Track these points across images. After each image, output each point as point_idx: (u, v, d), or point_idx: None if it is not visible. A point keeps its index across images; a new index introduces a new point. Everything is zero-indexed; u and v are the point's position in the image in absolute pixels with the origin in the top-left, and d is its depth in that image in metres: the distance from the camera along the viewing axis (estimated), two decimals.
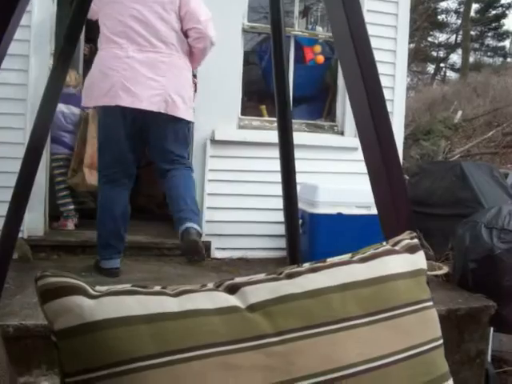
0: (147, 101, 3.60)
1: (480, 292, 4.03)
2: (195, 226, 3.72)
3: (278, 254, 4.69)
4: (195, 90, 4.14)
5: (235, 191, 4.72)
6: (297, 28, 5.19)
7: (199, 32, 3.79)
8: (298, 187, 4.66)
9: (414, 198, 6.07)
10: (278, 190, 5.14)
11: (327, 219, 4.10)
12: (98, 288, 0.72)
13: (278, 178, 5.17)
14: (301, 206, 4.37)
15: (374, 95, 1.01)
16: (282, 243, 4.71)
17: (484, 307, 3.87)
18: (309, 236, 4.21)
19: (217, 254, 4.64)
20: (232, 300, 0.76)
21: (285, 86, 1.40)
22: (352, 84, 1.04)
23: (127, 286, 0.74)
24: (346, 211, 4.20)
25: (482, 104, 16.05)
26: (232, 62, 4.82)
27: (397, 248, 0.95)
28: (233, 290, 0.79)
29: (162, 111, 3.65)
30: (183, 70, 3.83)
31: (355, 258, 0.90)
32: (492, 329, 3.90)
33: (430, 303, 0.92)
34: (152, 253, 4.46)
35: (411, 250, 0.95)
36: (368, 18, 5.11)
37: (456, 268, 4.56)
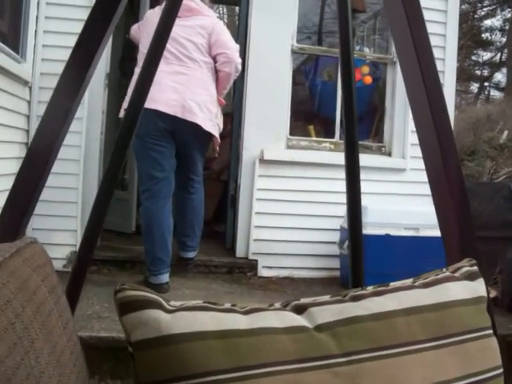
0: (165, 104, 3.84)
1: None
2: (195, 254, 4.34)
3: (322, 274, 4.69)
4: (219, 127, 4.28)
5: (282, 211, 4.74)
6: None
7: (227, 57, 4.07)
8: (345, 207, 4.65)
9: None
10: (324, 210, 5.17)
11: (375, 240, 4.08)
12: (172, 303, 0.76)
13: (325, 198, 5.19)
14: None
15: (438, 109, 1.03)
16: (327, 263, 4.73)
17: None
18: None
19: (263, 272, 4.66)
20: (300, 320, 0.79)
21: (353, 108, 1.43)
22: (415, 98, 1.06)
23: (200, 302, 0.77)
24: (394, 233, 4.18)
25: None
26: (281, 82, 4.87)
27: (457, 275, 0.96)
28: (300, 310, 0.81)
29: (179, 116, 3.87)
30: (204, 84, 4.05)
31: (417, 283, 0.92)
32: None
33: (491, 331, 0.94)
34: (199, 270, 4.49)
35: (471, 277, 0.97)
36: None
37: (505, 292, 4.48)
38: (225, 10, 18.62)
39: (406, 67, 1.09)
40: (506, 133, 13.89)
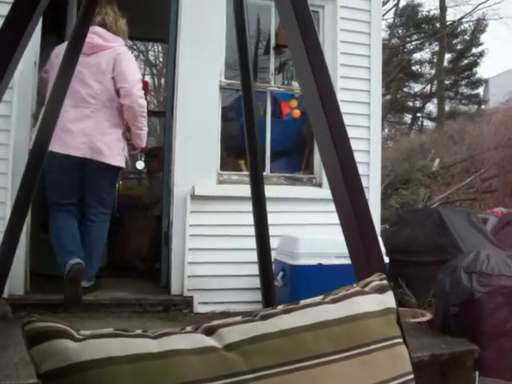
0: (75, 148, 4.10)
1: (463, 336, 4.05)
2: (88, 284, 4.36)
3: (259, 307, 4.68)
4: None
5: (216, 245, 4.75)
6: (273, 84, 5.32)
7: (126, 90, 4.27)
8: (279, 239, 4.71)
9: (394, 247, 6.12)
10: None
11: (308, 270, 4.13)
12: (82, 332, 0.76)
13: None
14: (282, 258, 4.41)
15: (343, 148, 1.07)
16: None
17: (467, 351, 3.89)
18: (290, 287, 4.23)
19: (199, 308, 4.63)
20: (209, 341, 0.80)
21: (255, 141, 1.46)
22: (321, 138, 1.09)
23: (110, 330, 0.78)
24: (326, 262, 4.24)
25: (459, 151, 16.30)
26: (210, 118, 4.92)
27: (366, 289, 1.00)
28: (210, 331, 0.83)
29: (87, 157, 4.14)
30: (112, 124, 4.29)
31: (327, 300, 0.95)
32: (477, 373, 3.91)
33: (400, 340, 0.96)
34: (134, 309, 4.43)
35: (380, 290, 1.00)
36: (342, 71, 5.28)
37: (438, 314, 4.59)
38: (160, 48, 18.70)
39: (308, 100, 1.11)
40: (437, 161, 14.33)
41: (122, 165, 4.42)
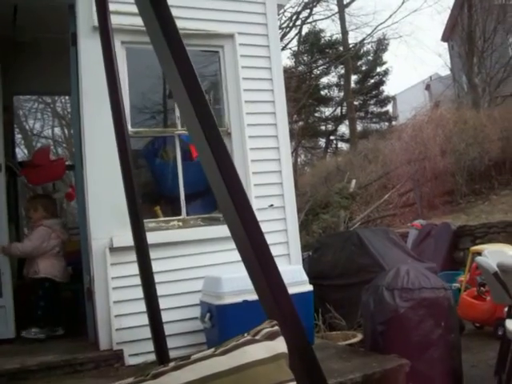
0: None
1: (393, 352, 4.14)
2: None
3: (191, 351, 4.63)
4: None
5: (141, 295, 4.67)
6: (180, 127, 5.34)
7: None
8: (202, 281, 4.68)
9: (318, 273, 6.23)
10: (182, 287, 5.16)
11: (234, 308, 4.13)
12: None
13: (181, 275, 5.19)
14: (207, 299, 4.41)
15: (236, 191, 1.09)
16: (194, 339, 4.71)
17: (398, 366, 3.98)
18: (218, 328, 4.23)
19: (130, 360, 4.54)
20: None
21: (133, 188, 1.48)
22: (214, 182, 1.12)
23: None
24: (251, 298, 4.25)
25: (375, 169, 16.76)
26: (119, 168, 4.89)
27: (257, 337, 1.03)
28: None
29: None
30: None
31: (217, 352, 0.98)
32: None
33: (292, 383, 1.00)
34: (64, 371, 4.30)
35: (271, 337, 1.04)
36: (247, 108, 5.38)
37: (366, 333, 4.68)
38: (67, 99, 18.47)
39: (197, 144, 1.13)
40: (353, 181, 14.67)
41: None
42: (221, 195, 1.10)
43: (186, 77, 1.08)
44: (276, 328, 1.05)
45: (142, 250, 1.48)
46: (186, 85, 1.08)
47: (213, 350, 0.99)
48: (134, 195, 1.47)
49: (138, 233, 1.47)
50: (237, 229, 1.10)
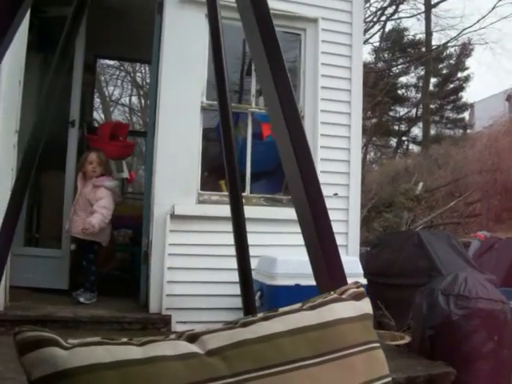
0: None
1: (440, 359, 4.06)
2: None
3: None
4: None
5: (195, 265, 4.75)
6: (254, 105, 5.36)
7: None
8: (257, 260, 4.70)
9: (374, 270, 6.14)
10: (236, 263, 5.15)
11: (285, 291, 4.12)
12: (70, 340, 0.79)
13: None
14: (259, 278, 4.41)
15: (307, 171, 1.08)
16: (241, 316, 4.72)
17: (443, 374, 3.90)
18: (266, 307, 4.22)
19: (177, 327, 4.61)
20: (192, 347, 0.83)
21: (234, 161, 1.48)
22: (286, 160, 1.11)
23: (97, 338, 0.80)
24: (303, 282, 4.23)
25: (444, 175, 16.40)
26: (191, 138, 4.95)
27: (344, 296, 1.03)
28: (193, 339, 0.86)
29: None
30: None
31: (305, 307, 0.98)
32: None
33: (377, 344, 0.99)
34: (112, 327, 4.42)
35: (357, 297, 1.03)
36: (323, 94, 5.35)
37: (415, 336, 4.59)
38: (147, 70, 18.79)
39: (274, 122, 1.12)
40: (421, 184, 14.41)
41: None
42: (292, 178, 1.09)
43: (272, 56, 1.07)
44: (362, 289, 1.05)
45: (238, 222, 1.48)
46: (271, 64, 1.07)
47: (299, 304, 0.99)
48: (234, 168, 1.48)
49: (236, 205, 1.47)
50: (304, 211, 1.09)
